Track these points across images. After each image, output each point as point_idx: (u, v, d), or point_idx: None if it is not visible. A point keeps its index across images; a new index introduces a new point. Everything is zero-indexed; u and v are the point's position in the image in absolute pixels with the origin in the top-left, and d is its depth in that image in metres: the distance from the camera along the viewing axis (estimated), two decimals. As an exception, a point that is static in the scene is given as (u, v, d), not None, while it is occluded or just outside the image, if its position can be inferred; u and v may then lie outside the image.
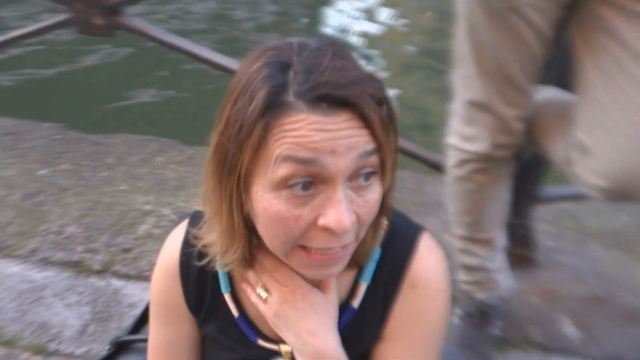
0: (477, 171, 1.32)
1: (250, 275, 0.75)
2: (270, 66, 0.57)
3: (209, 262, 0.75)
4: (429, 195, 2.16)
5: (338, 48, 0.60)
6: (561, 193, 1.82)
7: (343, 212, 0.57)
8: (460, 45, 1.20)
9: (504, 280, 1.50)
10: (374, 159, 0.59)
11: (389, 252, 0.76)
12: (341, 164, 0.56)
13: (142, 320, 1.28)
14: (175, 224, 2.01)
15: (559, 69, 1.31)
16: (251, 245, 0.70)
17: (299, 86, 0.56)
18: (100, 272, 1.83)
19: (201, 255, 0.77)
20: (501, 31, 1.09)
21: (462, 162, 1.33)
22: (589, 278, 1.83)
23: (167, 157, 2.43)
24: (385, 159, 0.61)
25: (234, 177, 0.61)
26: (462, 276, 1.51)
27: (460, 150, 1.32)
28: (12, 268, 1.83)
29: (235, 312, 0.80)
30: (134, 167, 2.36)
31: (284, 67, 0.57)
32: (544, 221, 2.01)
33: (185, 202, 2.14)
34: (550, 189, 1.83)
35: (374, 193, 0.61)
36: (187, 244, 0.80)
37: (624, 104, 1.02)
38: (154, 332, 0.87)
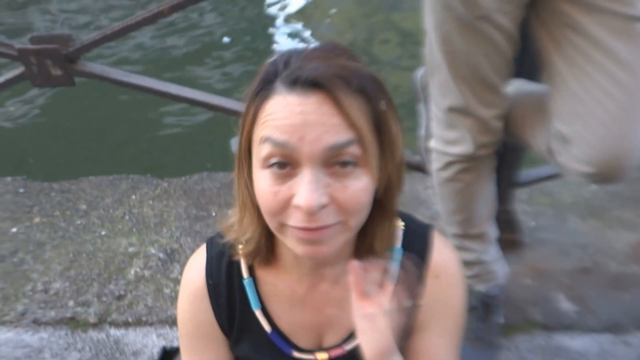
0: (463, 171, 1.37)
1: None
2: (270, 61, 0.67)
3: (237, 268, 0.82)
4: (409, 194, 2.21)
5: (332, 45, 0.68)
6: (537, 175, 1.89)
7: (310, 192, 0.62)
8: (432, 54, 1.24)
9: (500, 269, 1.56)
10: (352, 150, 0.63)
11: (408, 250, 0.82)
12: (308, 151, 0.62)
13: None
14: (163, 262, 2.00)
15: (528, 63, 1.36)
16: (273, 243, 0.78)
17: (283, 73, 0.64)
18: (97, 325, 1.79)
19: (229, 266, 0.83)
20: (473, 38, 1.13)
21: (448, 165, 1.37)
22: (572, 251, 1.91)
23: (141, 194, 2.39)
24: (368, 153, 0.64)
25: (241, 158, 0.70)
26: (460, 272, 1.55)
27: (445, 154, 1.37)
28: (4, 335, 1.77)
29: (267, 327, 0.82)
30: (109, 209, 2.31)
31: (281, 61, 0.66)
32: (521, 202, 2.09)
33: (170, 238, 2.11)
34: (526, 172, 1.90)
35: (356, 181, 0.64)
36: (211, 268, 0.83)
37: (595, 92, 1.08)
38: None
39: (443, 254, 0.83)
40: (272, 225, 0.69)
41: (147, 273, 1.96)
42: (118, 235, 2.15)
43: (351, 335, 0.83)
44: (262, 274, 0.82)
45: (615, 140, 1.08)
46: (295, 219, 0.65)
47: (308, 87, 0.62)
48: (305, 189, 0.62)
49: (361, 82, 0.64)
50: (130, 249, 2.07)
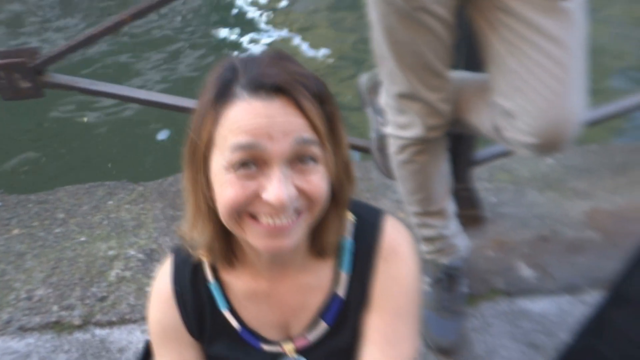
0: (417, 153, 1.46)
1: None
2: (223, 67, 0.72)
3: (202, 273, 0.87)
4: (376, 180, 2.30)
5: (280, 53, 0.74)
6: (493, 152, 2.00)
7: (279, 188, 0.67)
8: (379, 46, 1.33)
9: (461, 242, 1.66)
10: (314, 149, 0.70)
11: (360, 241, 0.87)
12: (278, 147, 0.68)
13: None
14: (143, 262, 2.06)
15: (466, 49, 1.46)
16: (230, 244, 0.82)
17: (243, 80, 0.69)
18: (81, 326, 1.84)
19: (194, 272, 0.87)
20: (413, 28, 1.22)
21: (402, 148, 1.47)
22: (531, 222, 2.02)
23: (118, 199, 2.44)
24: (326, 152, 0.72)
25: (198, 163, 0.73)
26: (423, 247, 1.65)
27: (399, 138, 1.46)
28: (-9, 344, 1.82)
29: (237, 325, 0.88)
30: (87, 216, 2.35)
31: (234, 68, 0.71)
32: (481, 180, 2.19)
33: (148, 239, 2.17)
34: (482, 151, 2.00)
35: (317, 175, 0.72)
36: (177, 275, 0.89)
37: (532, 67, 1.18)
38: None
39: (392, 237, 0.87)
40: (230, 222, 0.73)
41: (128, 274, 2.02)
42: (97, 240, 2.21)
43: (312, 325, 0.88)
44: (226, 275, 0.88)
45: (555, 110, 1.17)
46: (265, 210, 0.70)
47: (272, 92, 0.67)
48: (275, 185, 0.67)
49: (316, 86, 0.71)
50: (110, 252, 2.13)
